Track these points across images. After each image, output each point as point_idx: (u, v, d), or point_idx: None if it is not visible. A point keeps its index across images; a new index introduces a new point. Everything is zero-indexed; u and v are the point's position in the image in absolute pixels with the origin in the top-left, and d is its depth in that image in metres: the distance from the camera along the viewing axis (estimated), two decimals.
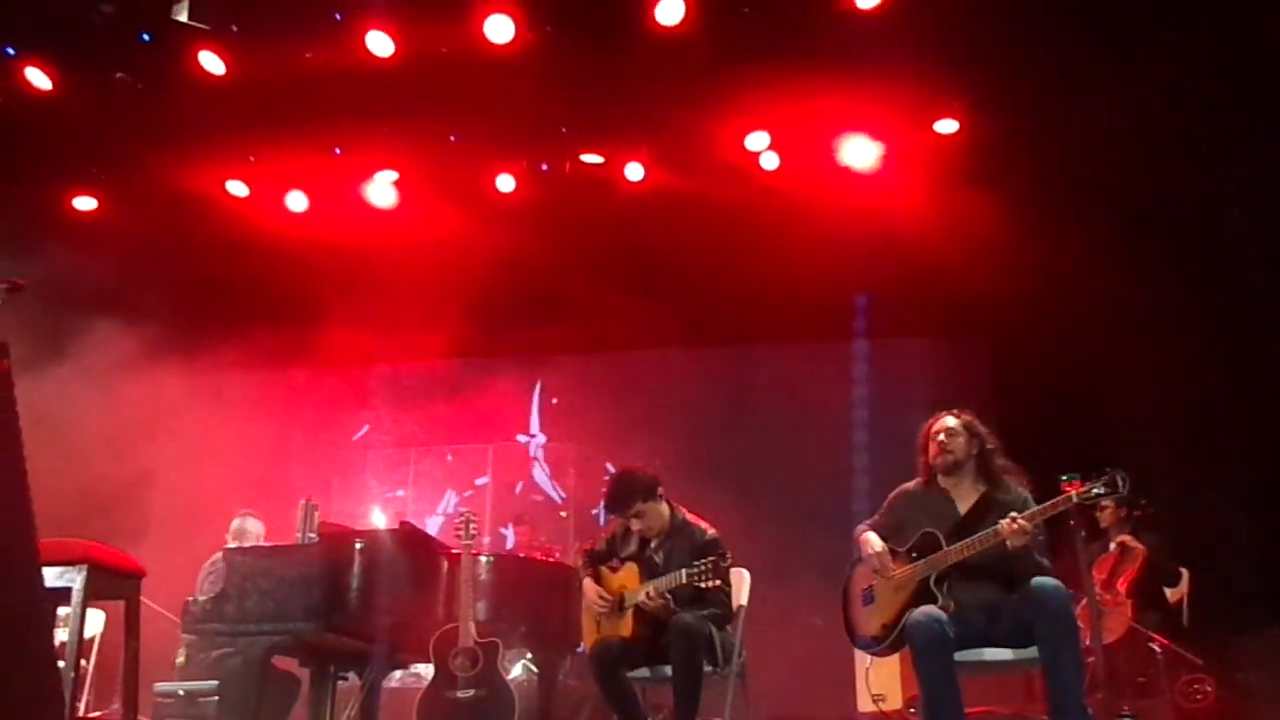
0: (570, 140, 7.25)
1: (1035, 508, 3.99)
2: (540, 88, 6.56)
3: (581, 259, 7.30)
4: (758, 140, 7.11)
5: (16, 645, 2.13)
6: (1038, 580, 3.91)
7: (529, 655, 6.14)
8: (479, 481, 7.75)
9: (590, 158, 7.32)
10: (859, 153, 7.08)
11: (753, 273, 7.30)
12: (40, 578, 2.28)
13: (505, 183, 7.45)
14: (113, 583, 3.72)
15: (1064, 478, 3.96)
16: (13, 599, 2.12)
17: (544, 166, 7.41)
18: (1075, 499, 3.84)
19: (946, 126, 6.94)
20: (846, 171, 7.10)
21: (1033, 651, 3.94)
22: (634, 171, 7.31)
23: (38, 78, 6.77)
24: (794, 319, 7.52)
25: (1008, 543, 3.93)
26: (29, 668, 2.17)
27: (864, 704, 6.33)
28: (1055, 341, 7.01)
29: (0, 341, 2.09)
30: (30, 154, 7.02)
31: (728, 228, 7.22)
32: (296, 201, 7.56)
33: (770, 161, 7.18)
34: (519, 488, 7.71)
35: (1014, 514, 3.95)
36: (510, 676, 5.76)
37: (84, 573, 3.53)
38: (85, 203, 7.57)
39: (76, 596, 3.47)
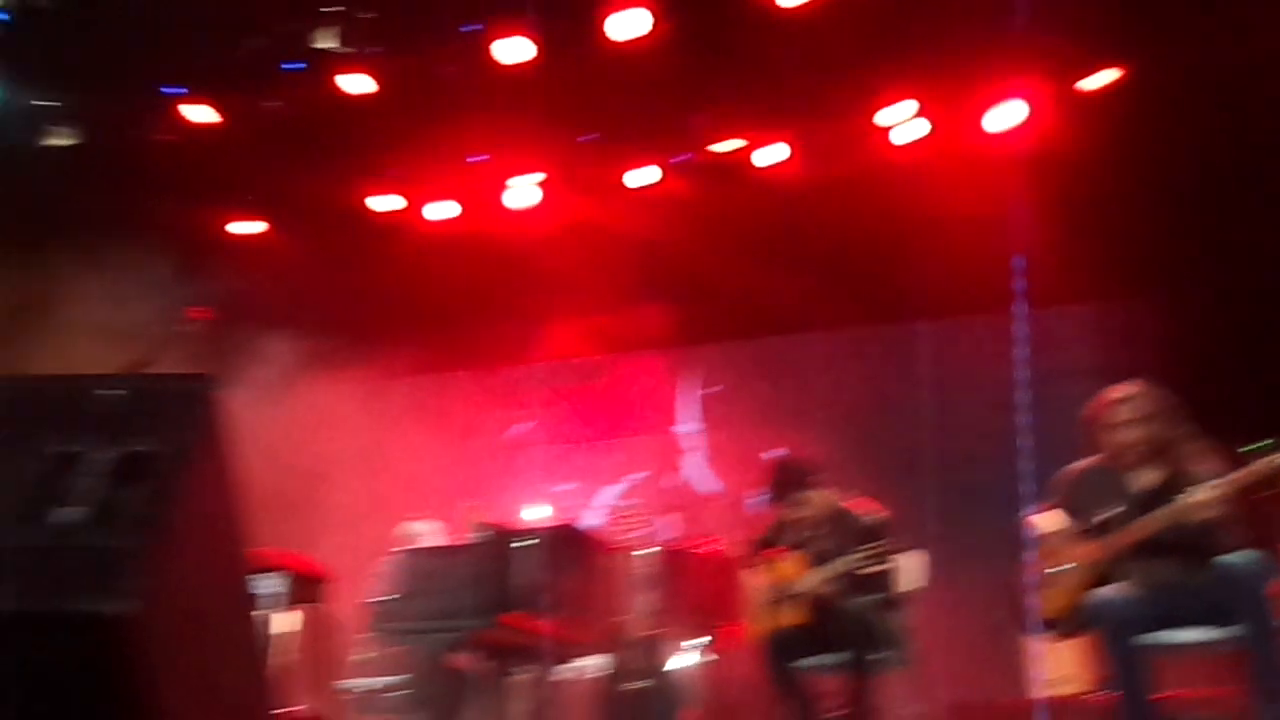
0: (710, 127, 7.23)
1: (1226, 478, 3.78)
2: (678, 76, 6.56)
3: (729, 246, 7.25)
4: (902, 110, 6.92)
5: (235, 651, 2.28)
6: (1232, 556, 3.71)
7: (695, 645, 6.15)
8: (634, 475, 7.81)
9: (731, 143, 7.29)
10: (1009, 114, 6.80)
11: (904, 248, 7.12)
12: (250, 587, 2.43)
13: (648, 175, 7.48)
14: (306, 588, 3.92)
15: (1249, 448, 3.76)
16: (232, 609, 2.27)
17: (685, 156, 7.42)
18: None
19: (1107, 78, 6.59)
20: (998, 134, 6.83)
21: (1230, 631, 3.74)
22: (776, 154, 7.23)
23: (199, 113, 7.16)
24: (950, 292, 7.29)
25: (1197, 516, 3.74)
26: (245, 672, 2.32)
27: (1043, 689, 6.12)
28: (1231, 303, 6.63)
29: (209, 374, 2.24)
30: (197, 184, 7.41)
31: (875, 203, 7.05)
32: (444, 210, 7.76)
33: (915, 131, 6.98)
34: (674, 479, 7.73)
35: (1203, 484, 3.76)
36: (678, 667, 5.80)
37: (280, 579, 3.72)
38: (248, 226, 7.94)
39: (274, 601, 3.65)
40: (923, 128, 6.98)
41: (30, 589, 1.96)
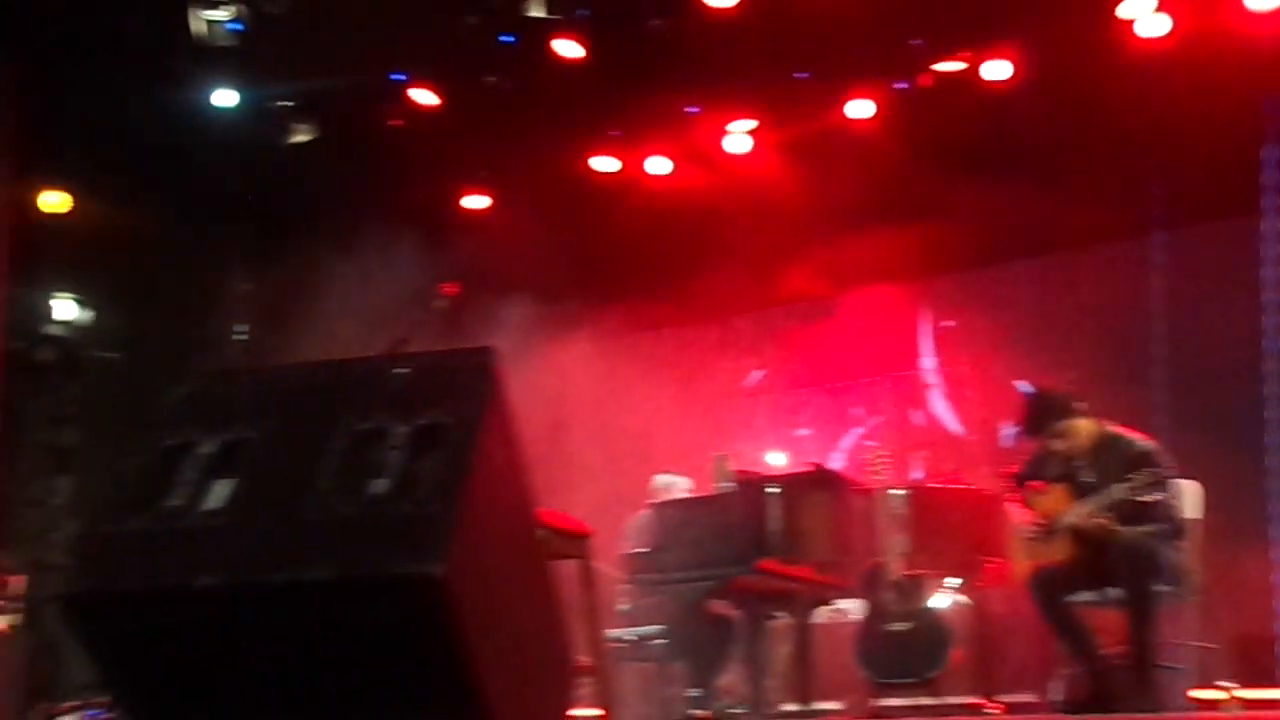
0: (927, 51, 6.93)
1: None
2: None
3: (955, 173, 6.91)
4: (1139, 4, 6.38)
5: (534, 604, 2.40)
6: None
7: (957, 584, 6.02)
8: (877, 415, 7.66)
9: (950, 64, 6.96)
10: None
11: (1147, 154, 6.62)
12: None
13: (866, 106, 7.26)
14: (568, 544, 4.05)
15: None
16: (528, 564, 2.39)
17: (904, 82, 7.15)
18: None
19: None
20: (1260, 14, 6.16)
21: None
22: (1000, 70, 6.84)
23: (423, 96, 7.50)
24: (1197, 198, 6.73)
25: None
26: (545, 624, 2.43)
27: None
28: None
29: (488, 348, 2.35)
30: (430, 164, 7.74)
31: (1111, 109, 6.57)
32: (664, 164, 7.81)
33: (1161, 23, 6.40)
34: (918, 417, 7.53)
35: None
36: (941, 607, 5.70)
37: (543, 536, 3.85)
38: (480, 199, 8.24)
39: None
40: (1169, 19, 6.41)
41: (350, 557, 2.12)
